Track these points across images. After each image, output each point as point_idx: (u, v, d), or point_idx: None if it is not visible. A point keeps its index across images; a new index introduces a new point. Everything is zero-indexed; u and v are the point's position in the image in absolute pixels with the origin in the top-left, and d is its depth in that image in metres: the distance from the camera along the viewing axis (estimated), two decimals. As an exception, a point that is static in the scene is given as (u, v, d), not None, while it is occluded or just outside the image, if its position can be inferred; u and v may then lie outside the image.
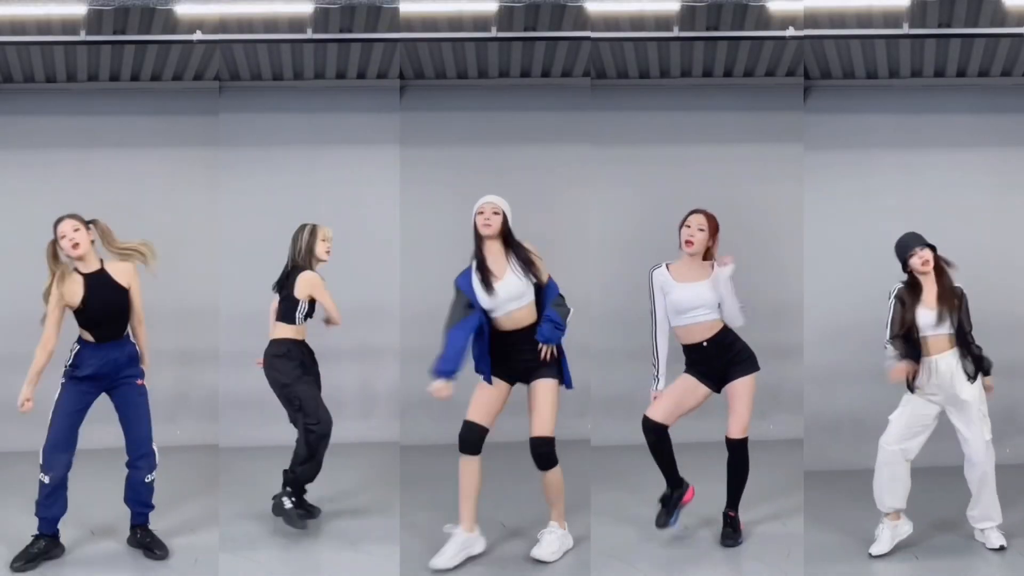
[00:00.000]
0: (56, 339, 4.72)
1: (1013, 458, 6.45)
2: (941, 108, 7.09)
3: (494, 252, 4.81)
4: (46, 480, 4.70)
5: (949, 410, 4.93)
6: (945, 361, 4.89)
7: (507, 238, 4.82)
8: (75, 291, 4.68)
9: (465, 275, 4.83)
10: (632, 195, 7.16)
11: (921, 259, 4.94)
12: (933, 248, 4.98)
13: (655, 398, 4.99)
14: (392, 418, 6.68)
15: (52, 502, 4.75)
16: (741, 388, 4.96)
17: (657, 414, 4.97)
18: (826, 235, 6.50)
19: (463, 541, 4.81)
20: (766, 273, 6.82)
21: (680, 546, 5.06)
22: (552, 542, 4.86)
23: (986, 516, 5.00)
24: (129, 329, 4.86)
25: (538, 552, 4.83)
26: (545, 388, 4.75)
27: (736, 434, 4.96)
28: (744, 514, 5.15)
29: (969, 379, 4.88)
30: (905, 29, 5.94)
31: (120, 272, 4.78)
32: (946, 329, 4.89)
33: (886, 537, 4.95)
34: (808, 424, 6.13)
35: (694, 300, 4.93)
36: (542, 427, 4.71)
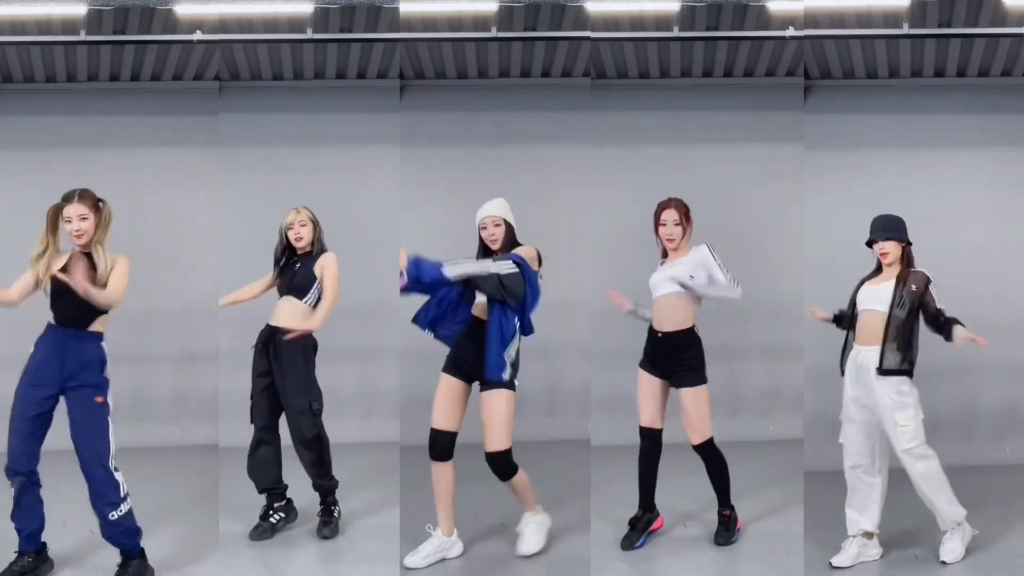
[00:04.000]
0: (16, 297, 4.40)
1: (1013, 458, 6.46)
2: (941, 108, 7.10)
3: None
4: (11, 488, 4.34)
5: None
6: (865, 355, 4.70)
7: (511, 245, 4.84)
8: (57, 265, 4.36)
9: None
10: (632, 195, 7.14)
11: (879, 250, 4.82)
12: (901, 241, 4.79)
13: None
14: (392, 418, 6.67)
15: (22, 512, 4.36)
16: (688, 399, 4.92)
17: (644, 419, 5.00)
18: (826, 235, 6.50)
19: (439, 543, 4.80)
20: (766, 273, 6.83)
21: (680, 546, 5.07)
22: (532, 533, 4.86)
23: (942, 520, 4.79)
24: (100, 336, 4.39)
25: (523, 547, 4.83)
26: (490, 401, 4.64)
27: (696, 440, 4.94)
28: (743, 514, 5.17)
29: (894, 368, 4.60)
30: (905, 29, 5.94)
31: (106, 263, 4.37)
32: (882, 306, 4.66)
33: (851, 553, 4.79)
34: (808, 424, 6.12)
35: (659, 276, 4.95)
36: (491, 442, 4.64)
